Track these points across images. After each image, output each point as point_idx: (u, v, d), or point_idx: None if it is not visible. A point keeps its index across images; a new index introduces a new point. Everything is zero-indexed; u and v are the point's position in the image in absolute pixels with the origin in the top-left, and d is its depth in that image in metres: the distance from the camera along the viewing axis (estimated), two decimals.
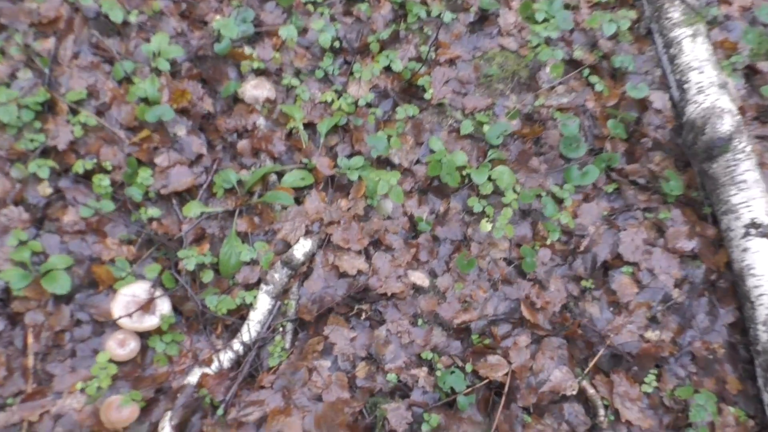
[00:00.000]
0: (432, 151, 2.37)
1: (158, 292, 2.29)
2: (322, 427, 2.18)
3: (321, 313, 2.21)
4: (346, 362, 2.17)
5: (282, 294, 2.23)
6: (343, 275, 2.23)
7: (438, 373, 2.25)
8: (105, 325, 2.29)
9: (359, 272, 2.21)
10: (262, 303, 2.38)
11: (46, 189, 2.16)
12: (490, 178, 2.29)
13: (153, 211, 2.18)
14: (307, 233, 2.44)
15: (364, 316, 2.22)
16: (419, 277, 2.25)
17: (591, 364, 2.14)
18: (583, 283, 2.30)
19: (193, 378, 2.12)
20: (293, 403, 2.20)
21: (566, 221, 2.30)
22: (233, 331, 2.38)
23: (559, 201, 2.39)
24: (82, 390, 2.06)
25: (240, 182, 2.27)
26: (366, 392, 2.10)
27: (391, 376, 2.12)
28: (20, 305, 2.13)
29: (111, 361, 2.09)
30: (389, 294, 2.20)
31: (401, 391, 2.12)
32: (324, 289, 2.22)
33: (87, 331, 2.16)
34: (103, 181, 2.15)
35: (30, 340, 2.16)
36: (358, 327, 2.22)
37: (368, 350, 2.17)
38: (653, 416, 2.13)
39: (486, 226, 2.20)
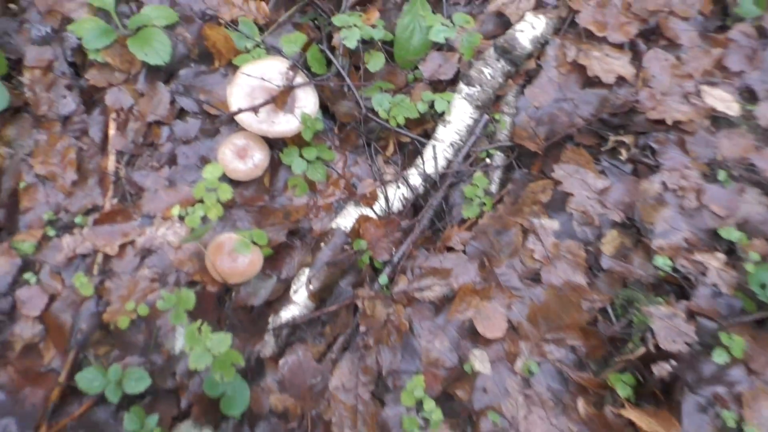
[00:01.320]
0: None
1: (300, 78, 1.52)
2: (540, 324, 1.52)
3: (552, 143, 1.65)
4: (587, 227, 1.59)
5: (491, 104, 1.69)
6: (591, 83, 1.63)
7: (747, 267, 1.43)
8: (219, 121, 1.67)
9: (619, 80, 1.59)
10: (459, 114, 1.64)
11: None
12: None
13: None
14: (539, 6, 1.56)
15: (624, 154, 1.51)
16: (722, 99, 1.57)
17: None
18: None
19: (345, 221, 1.64)
20: (495, 281, 1.55)
21: None
22: (411, 154, 1.70)
23: None
24: (181, 218, 1.58)
25: None
26: (616, 280, 1.54)
27: (662, 260, 1.50)
28: (98, 76, 1.69)
29: (225, 178, 1.60)
30: (669, 122, 1.57)
31: (676, 287, 1.50)
32: (557, 103, 1.65)
33: (193, 128, 1.69)
34: None
35: (111, 130, 1.70)
36: (611, 172, 1.63)
37: (626, 212, 1.56)
38: None
39: None
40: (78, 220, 1.58)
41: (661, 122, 1.61)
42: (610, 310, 1.50)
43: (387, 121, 1.63)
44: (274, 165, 1.69)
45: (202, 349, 1.26)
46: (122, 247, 1.55)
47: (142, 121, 1.69)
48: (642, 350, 1.41)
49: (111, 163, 1.66)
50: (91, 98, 1.71)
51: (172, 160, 1.69)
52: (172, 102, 1.69)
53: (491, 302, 1.52)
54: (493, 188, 1.66)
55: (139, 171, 1.67)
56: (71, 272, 1.55)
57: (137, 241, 1.56)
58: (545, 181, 1.65)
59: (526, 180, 1.66)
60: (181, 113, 1.72)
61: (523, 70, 1.70)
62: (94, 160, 1.68)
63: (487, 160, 1.60)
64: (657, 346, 1.43)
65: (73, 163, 1.62)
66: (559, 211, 1.62)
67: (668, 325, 1.46)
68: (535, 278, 1.55)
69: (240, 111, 1.52)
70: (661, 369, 1.41)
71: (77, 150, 1.65)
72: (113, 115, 1.69)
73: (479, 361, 1.50)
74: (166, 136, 1.69)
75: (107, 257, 1.55)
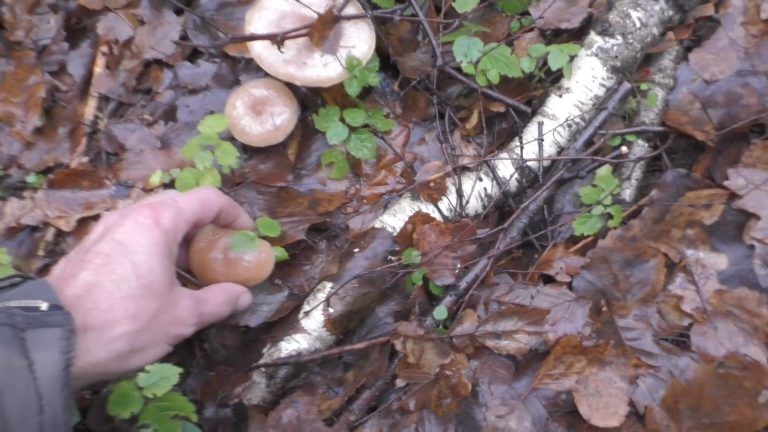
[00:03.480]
0: None
1: (352, 8, 1.22)
2: (683, 416, 1.18)
3: (728, 134, 1.26)
4: None
5: (636, 67, 1.32)
6: None
7: None
8: (239, 68, 1.39)
9: None
10: (585, 79, 1.31)
11: None
12: None
13: None
14: None
15: None
16: None
17: None
18: None
19: (394, 220, 1.27)
20: (616, 337, 1.23)
21: None
22: (503, 133, 1.37)
23: None
24: (168, 186, 1.31)
25: None
26: None
27: None
28: None
29: (230, 139, 1.28)
30: None
31: None
32: (742, 78, 1.26)
33: (206, 74, 1.45)
34: None
35: (98, 68, 1.48)
36: None
37: None
38: None
39: None
40: (31, 179, 1.31)
41: None
42: None
43: (473, 78, 1.23)
44: (306, 132, 1.35)
45: (130, 387, 0.90)
46: (81, 222, 1.26)
47: (139, 60, 1.42)
48: None
49: (90, 109, 1.40)
50: (79, 24, 1.45)
51: (170, 114, 1.41)
52: (183, 38, 1.40)
53: (605, 370, 1.15)
54: (627, 194, 1.24)
55: (125, 124, 1.39)
56: (13, 248, 1.27)
57: (102, 215, 1.25)
58: (713, 191, 1.20)
59: (682, 186, 1.22)
60: (193, 54, 1.43)
61: (692, 18, 1.26)
62: (71, 105, 1.42)
63: (622, 149, 1.16)
64: None
65: (40, 104, 1.37)
66: (732, 242, 1.21)
67: None
68: (681, 341, 1.19)
69: (254, 37, 1.18)
70: None
71: (50, 89, 1.39)
72: (103, 48, 1.43)
73: None
74: (168, 81, 1.43)
75: (60, 232, 1.25)
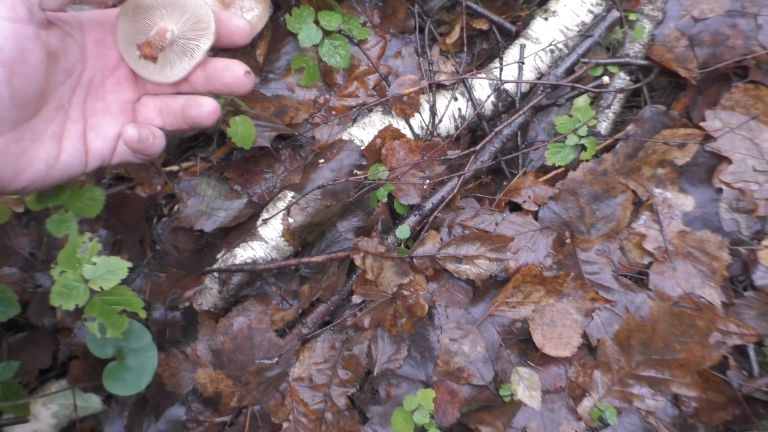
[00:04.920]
0: None
1: None
2: (634, 351, 1.22)
3: (711, 74, 1.23)
4: (742, 216, 1.20)
5: None
6: None
7: None
8: None
9: None
10: (573, 3, 1.15)
11: None
12: None
13: None
14: None
15: None
16: None
17: None
18: None
19: (363, 133, 1.22)
20: (576, 269, 1.21)
21: None
22: (484, 54, 1.33)
23: None
24: None
25: None
26: None
27: None
28: None
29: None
30: None
31: None
32: (730, 18, 1.22)
33: None
34: None
35: None
36: None
37: None
38: None
39: None
40: None
41: None
42: (752, 354, 1.08)
43: None
44: (276, 33, 1.26)
45: (75, 278, 0.85)
46: None
47: None
48: None
49: None
50: None
51: None
52: None
53: (562, 301, 1.13)
54: (603, 127, 1.19)
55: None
56: None
57: None
58: (689, 130, 1.17)
59: (659, 123, 1.19)
60: None
61: None
62: None
63: (604, 80, 1.12)
64: None
65: None
66: (701, 183, 1.18)
67: None
68: (639, 279, 1.16)
69: None
70: None
71: None
72: None
73: (525, 386, 1.09)
74: None
75: None
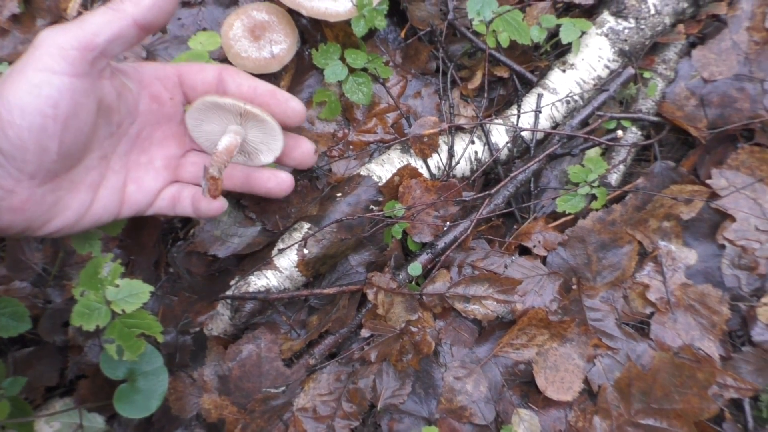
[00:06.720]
0: None
1: None
2: (633, 399, 1.22)
3: (719, 134, 1.27)
4: (743, 273, 1.22)
5: (643, 54, 1.30)
6: None
7: None
8: None
9: None
10: (591, 57, 1.32)
11: None
12: None
13: None
14: None
15: None
16: None
17: None
18: None
19: (381, 169, 1.23)
20: (581, 315, 1.25)
21: None
22: (502, 100, 1.35)
23: None
24: None
25: None
26: None
27: None
28: None
29: (222, 60, 1.10)
30: None
31: None
32: (738, 81, 1.25)
33: None
34: None
35: None
36: None
37: None
38: None
39: None
40: (2, 68, 1.21)
41: None
42: (747, 408, 1.13)
43: (482, 38, 1.20)
44: (300, 66, 1.28)
45: (98, 299, 0.85)
46: None
47: None
48: None
49: (74, 5, 1.29)
50: None
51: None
52: None
53: (566, 345, 1.16)
54: (614, 178, 1.22)
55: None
56: None
57: None
58: (696, 187, 1.21)
59: (668, 178, 1.22)
60: None
61: (704, 14, 1.25)
62: None
63: (618, 134, 1.15)
64: None
65: None
66: (704, 239, 1.22)
67: None
68: (641, 328, 1.22)
69: None
70: None
71: None
72: None
73: (526, 428, 1.14)
74: None
75: None
